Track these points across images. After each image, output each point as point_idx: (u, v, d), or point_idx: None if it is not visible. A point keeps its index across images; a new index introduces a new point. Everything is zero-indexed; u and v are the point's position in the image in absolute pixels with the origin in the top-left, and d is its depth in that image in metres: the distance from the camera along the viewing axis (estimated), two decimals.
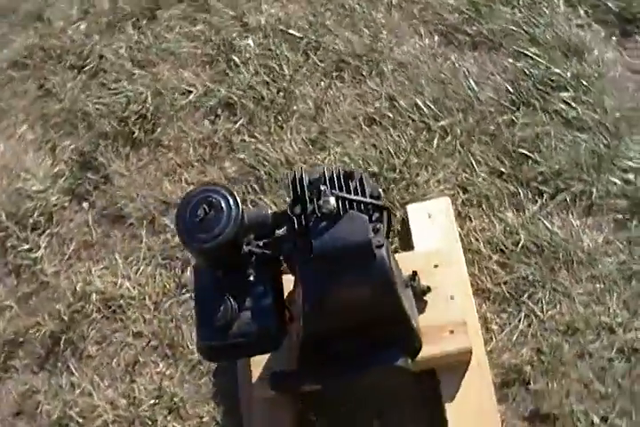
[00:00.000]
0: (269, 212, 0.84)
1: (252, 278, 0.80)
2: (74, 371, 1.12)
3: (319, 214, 0.79)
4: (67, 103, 1.39)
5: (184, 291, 1.16)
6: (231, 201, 0.79)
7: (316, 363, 0.86)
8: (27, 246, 1.24)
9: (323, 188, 0.78)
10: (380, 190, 0.82)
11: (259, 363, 0.99)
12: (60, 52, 1.46)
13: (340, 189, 0.80)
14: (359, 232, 0.78)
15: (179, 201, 1.20)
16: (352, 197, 0.80)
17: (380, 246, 0.79)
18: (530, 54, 1.31)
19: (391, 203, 1.15)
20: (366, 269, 0.79)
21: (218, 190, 0.80)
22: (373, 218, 0.80)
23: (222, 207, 0.78)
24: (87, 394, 1.10)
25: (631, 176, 1.18)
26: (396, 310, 0.86)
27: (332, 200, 0.78)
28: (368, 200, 0.80)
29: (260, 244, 0.82)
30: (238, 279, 0.80)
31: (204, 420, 1.06)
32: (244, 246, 0.81)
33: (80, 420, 1.08)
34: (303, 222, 0.80)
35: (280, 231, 0.84)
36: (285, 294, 0.89)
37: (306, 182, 0.82)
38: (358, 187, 0.82)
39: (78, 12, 1.51)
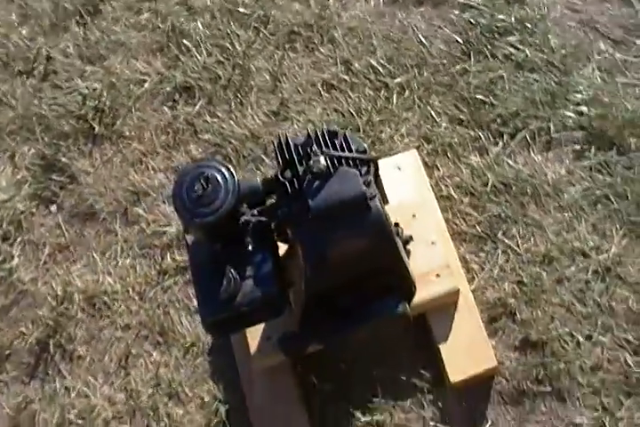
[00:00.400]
0: (259, 180, 0.86)
1: (250, 248, 0.82)
2: (66, 374, 1.12)
3: (311, 175, 0.81)
4: (20, 110, 1.38)
5: (167, 277, 1.17)
6: (226, 173, 0.81)
7: (319, 321, 0.88)
8: None
9: (313, 148, 0.81)
10: (365, 145, 0.86)
11: (255, 335, 1.01)
12: (6, 60, 1.46)
13: (327, 148, 0.83)
14: (352, 187, 0.82)
15: (149, 190, 1.26)
16: (340, 153, 0.83)
17: (373, 198, 0.83)
18: (474, 4, 1.36)
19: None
20: (363, 220, 0.82)
21: (211, 165, 0.82)
22: (362, 172, 0.84)
23: (219, 180, 0.80)
24: (83, 395, 1.10)
25: (584, 108, 1.24)
26: (393, 257, 0.90)
27: (322, 159, 0.81)
28: (356, 155, 0.83)
29: (255, 212, 0.84)
30: (236, 250, 0.82)
31: (206, 400, 1.07)
32: (241, 217, 0.82)
33: (80, 421, 1.08)
34: (296, 185, 0.82)
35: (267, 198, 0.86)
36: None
37: (292, 146, 0.84)
38: (344, 144, 0.85)
39: (18, 17, 1.50)
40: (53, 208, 1.28)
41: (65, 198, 1.28)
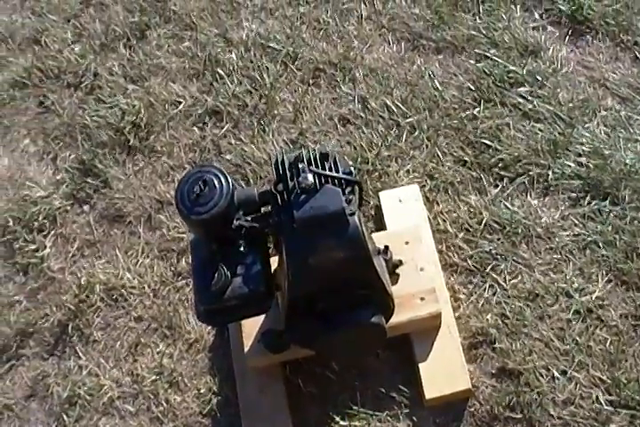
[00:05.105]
0: (256, 191, 1.16)
1: (242, 249, 1.10)
2: (81, 355, 1.47)
3: (299, 189, 1.08)
4: (65, 118, 1.81)
5: (180, 278, 1.53)
6: (222, 178, 1.11)
7: (300, 323, 1.17)
8: (33, 247, 1.62)
9: (301, 166, 1.10)
10: (352, 168, 1.14)
11: (250, 336, 1.33)
12: (58, 72, 1.90)
13: (317, 167, 1.10)
14: (334, 202, 1.07)
15: (173, 200, 1.62)
16: (327, 172, 1.09)
17: (352, 214, 1.09)
18: (490, 55, 1.73)
19: (365, 191, 1.47)
20: (341, 234, 1.08)
21: (210, 170, 1.13)
22: (346, 191, 1.11)
23: (215, 184, 1.10)
24: (94, 375, 1.44)
25: (584, 159, 1.56)
26: (369, 270, 1.16)
27: (310, 176, 1.08)
28: (341, 175, 1.10)
29: (249, 218, 1.13)
30: (230, 251, 1.11)
31: (202, 391, 1.40)
32: (235, 221, 1.11)
33: (88, 397, 1.42)
34: (286, 198, 1.10)
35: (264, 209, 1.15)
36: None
37: (287, 164, 1.13)
38: (332, 165, 1.12)
39: (73, 36, 1.96)
40: (86, 208, 1.67)
41: (97, 200, 1.67)
